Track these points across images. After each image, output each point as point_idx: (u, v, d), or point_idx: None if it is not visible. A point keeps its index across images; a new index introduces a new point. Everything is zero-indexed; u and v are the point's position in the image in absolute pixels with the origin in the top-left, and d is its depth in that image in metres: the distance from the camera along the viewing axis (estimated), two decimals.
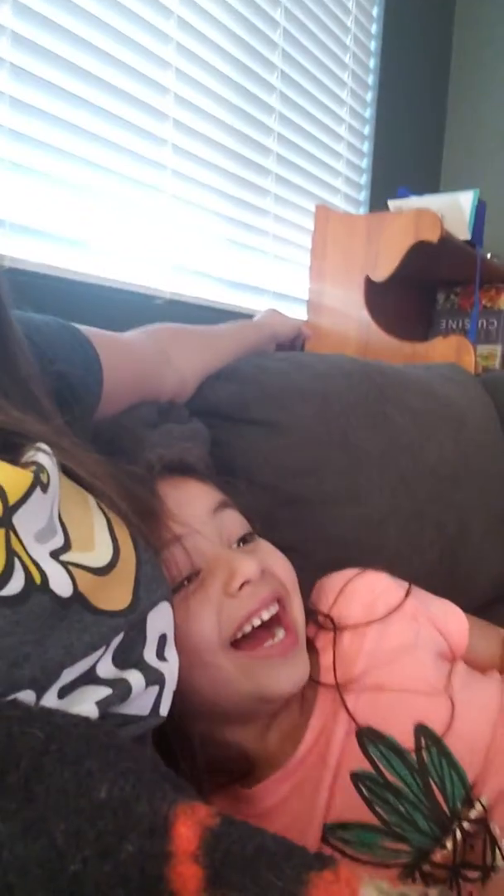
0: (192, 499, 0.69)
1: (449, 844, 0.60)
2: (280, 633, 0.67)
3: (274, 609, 0.67)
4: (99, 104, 1.28)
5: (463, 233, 1.86)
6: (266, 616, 0.66)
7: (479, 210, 1.90)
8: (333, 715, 0.68)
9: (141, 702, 0.51)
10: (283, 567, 0.71)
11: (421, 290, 2.29)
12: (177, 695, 0.55)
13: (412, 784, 0.63)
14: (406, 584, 0.80)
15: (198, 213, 1.56)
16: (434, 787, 0.63)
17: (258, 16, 1.70)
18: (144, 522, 0.59)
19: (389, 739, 0.65)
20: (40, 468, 0.47)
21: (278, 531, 0.78)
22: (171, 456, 0.72)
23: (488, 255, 2.02)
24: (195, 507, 0.68)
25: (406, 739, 0.65)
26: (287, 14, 1.81)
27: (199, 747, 0.65)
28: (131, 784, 0.33)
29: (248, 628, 0.65)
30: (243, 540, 0.71)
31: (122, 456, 0.67)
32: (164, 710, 0.54)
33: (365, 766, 0.65)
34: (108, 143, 1.30)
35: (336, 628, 0.74)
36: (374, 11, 2.24)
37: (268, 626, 0.66)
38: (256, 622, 0.65)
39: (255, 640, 0.66)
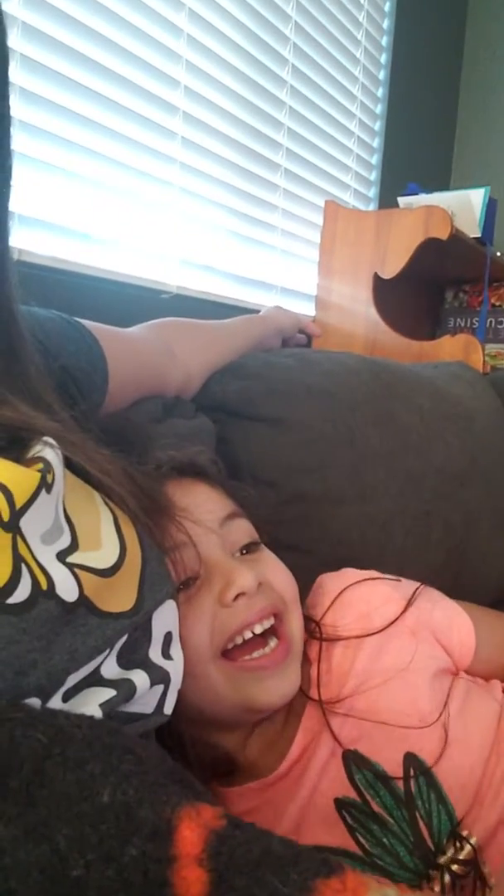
0: (199, 503, 0.68)
1: (437, 888, 0.58)
2: (272, 643, 0.66)
3: (268, 623, 0.66)
4: (108, 96, 1.27)
5: (473, 230, 1.84)
6: (259, 630, 0.65)
7: (490, 207, 1.89)
8: (319, 733, 0.66)
9: (145, 700, 0.51)
10: (283, 580, 0.70)
11: (429, 288, 2.28)
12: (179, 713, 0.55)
13: (397, 816, 0.62)
14: (411, 589, 0.78)
15: (206, 207, 1.56)
16: (420, 820, 0.61)
17: (270, 10, 1.69)
18: (153, 520, 0.59)
19: (376, 766, 0.64)
20: (47, 467, 0.46)
21: (283, 529, 0.77)
22: (182, 458, 0.72)
23: (498, 253, 2.01)
24: (202, 513, 0.67)
25: (394, 768, 0.63)
26: (299, 8, 1.80)
27: (189, 744, 0.64)
28: (134, 787, 0.33)
29: (239, 640, 0.64)
30: (247, 548, 0.69)
31: (131, 452, 0.66)
32: (168, 708, 0.54)
33: (350, 792, 0.63)
34: (116, 135, 1.30)
35: (323, 639, 0.72)
36: (386, 7, 2.22)
37: (262, 636, 0.65)
38: (248, 635, 0.64)
39: (246, 648, 0.65)
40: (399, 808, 0.62)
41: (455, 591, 0.97)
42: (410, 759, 0.63)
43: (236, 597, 0.63)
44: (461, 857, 0.59)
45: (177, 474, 0.70)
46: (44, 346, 0.67)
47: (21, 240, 1.14)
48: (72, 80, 1.20)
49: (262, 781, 0.66)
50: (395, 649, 0.70)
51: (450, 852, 0.60)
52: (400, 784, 0.63)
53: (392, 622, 0.73)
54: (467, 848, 0.59)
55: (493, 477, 1.29)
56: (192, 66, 1.46)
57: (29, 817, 0.30)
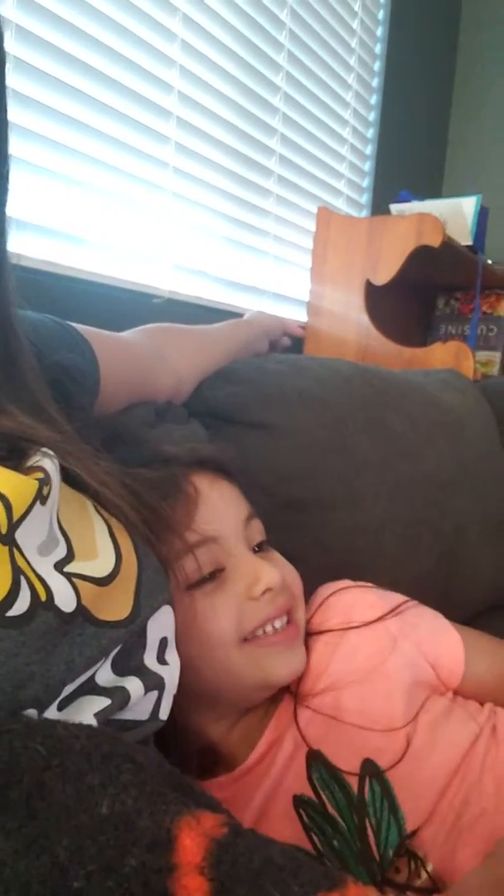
0: (228, 501, 0.71)
1: None
2: (284, 620, 0.69)
3: (285, 619, 0.69)
4: (102, 100, 1.27)
5: (465, 238, 1.85)
6: (279, 625, 0.68)
7: (482, 216, 1.90)
8: (287, 728, 0.68)
9: (140, 707, 0.51)
10: (294, 577, 0.74)
11: (421, 295, 2.29)
12: (182, 667, 0.56)
13: (349, 820, 0.62)
14: (397, 601, 0.78)
15: (199, 212, 1.56)
16: (369, 828, 0.61)
17: (264, 16, 1.69)
18: (153, 531, 0.59)
19: (334, 768, 0.65)
20: (46, 478, 0.46)
21: (274, 535, 0.77)
22: (205, 451, 0.74)
23: (489, 262, 2.01)
24: (230, 509, 0.70)
25: (352, 771, 0.64)
26: (293, 15, 1.80)
27: (179, 735, 0.66)
28: (133, 798, 0.33)
29: (259, 632, 0.67)
30: (259, 546, 0.72)
31: (129, 457, 0.67)
32: (163, 714, 0.54)
33: (307, 790, 0.64)
34: (109, 139, 1.30)
35: (309, 635, 0.74)
36: (380, 15, 2.23)
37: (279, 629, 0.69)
38: (269, 629, 0.67)
39: (266, 636, 0.68)
40: (351, 813, 0.62)
41: (445, 597, 0.98)
42: (368, 765, 0.64)
43: (264, 591, 0.66)
44: (417, 884, 0.59)
45: (199, 466, 0.72)
46: (36, 348, 0.67)
47: (14, 244, 1.14)
48: (65, 83, 1.20)
49: (230, 775, 0.67)
50: (370, 651, 0.72)
51: (404, 872, 0.59)
52: (355, 786, 0.63)
53: (371, 622, 0.74)
54: (423, 875, 0.59)
55: (484, 484, 1.30)
56: (185, 72, 1.46)
57: (29, 829, 0.30)
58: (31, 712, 0.40)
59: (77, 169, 1.24)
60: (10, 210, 1.11)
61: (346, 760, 0.65)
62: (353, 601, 0.77)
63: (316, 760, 0.65)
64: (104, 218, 1.31)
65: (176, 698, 0.60)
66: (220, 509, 0.69)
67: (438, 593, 1.12)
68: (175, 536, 0.64)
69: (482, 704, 0.74)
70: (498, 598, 1.34)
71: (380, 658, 0.71)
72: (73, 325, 0.78)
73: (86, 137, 1.25)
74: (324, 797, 0.63)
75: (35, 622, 0.42)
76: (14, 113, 1.11)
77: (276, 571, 0.67)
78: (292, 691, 0.70)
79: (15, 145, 1.12)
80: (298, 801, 0.64)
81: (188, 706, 0.65)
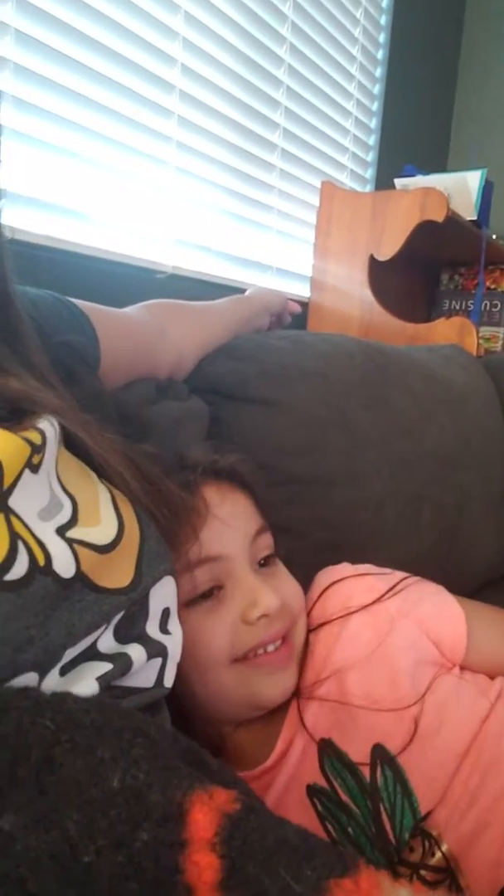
0: (237, 513, 0.69)
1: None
2: (278, 642, 0.67)
3: (279, 642, 0.68)
4: (104, 73, 1.26)
5: (469, 213, 1.84)
6: (272, 648, 0.67)
7: (486, 190, 1.88)
8: (299, 723, 0.68)
9: (144, 674, 0.51)
10: (295, 593, 0.72)
11: (425, 270, 2.28)
12: (176, 679, 0.56)
13: (362, 806, 0.62)
14: (396, 580, 0.77)
15: (202, 186, 1.55)
16: (384, 812, 0.62)
17: None
18: (154, 502, 0.59)
19: (345, 756, 0.64)
20: (38, 447, 0.47)
21: (275, 511, 0.77)
22: (224, 463, 0.72)
23: (494, 237, 2.00)
24: (241, 526, 0.68)
25: (362, 758, 0.64)
26: None
27: (199, 727, 0.67)
28: (144, 772, 0.33)
29: (251, 654, 0.66)
30: (265, 560, 0.71)
31: (131, 434, 0.66)
32: (168, 681, 0.54)
33: (321, 780, 0.65)
34: (112, 113, 1.29)
35: (308, 630, 0.73)
36: None
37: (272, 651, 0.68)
38: (261, 652, 0.66)
39: (257, 657, 0.67)
40: (364, 799, 0.62)
41: (446, 572, 0.98)
42: (378, 750, 0.64)
43: (259, 617, 0.65)
44: (431, 862, 0.59)
45: (215, 478, 0.70)
46: (35, 324, 0.67)
47: (15, 218, 1.13)
48: (67, 56, 1.18)
49: (249, 774, 0.67)
50: (370, 635, 0.71)
51: (418, 851, 0.60)
52: (367, 774, 0.63)
53: (369, 604, 0.73)
54: (438, 854, 0.59)
55: (485, 460, 1.30)
56: (189, 44, 1.44)
57: (39, 804, 0.30)
58: (32, 676, 0.40)
59: (79, 143, 1.23)
60: (11, 184, 1.11)
61: (357, 746, 0.65)
62: (350, 591, 0.76)
63: (327, 749, 0.65)
64: (106, 193, 1.31)
65: (178, 698, 0.61)
66: (227, 526, 0.67)
67: (440, 568, 1.13)
68: (178, 552, 0.63)
69: (492, 678, 0.74)
70: (497, 572, 1.35)
71: (379, 640, 0.70)
72: (74, 300, 0.78)
73: (88, 111, 1.24)
74: (336, 785, 0.64)
75: (33, 586, 0.42)
76: (15, 86, 1.10)
77: (274, 596, 0.66)
78: (297, 690, 0.69)
79: (16, 119, 1.12)
80: (312, 791, 0.65)
81: (189, 711, 0.66)
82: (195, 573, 0.64)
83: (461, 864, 0.59)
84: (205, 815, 0.32)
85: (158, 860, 0.30)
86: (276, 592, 0.66)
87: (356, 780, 0.63)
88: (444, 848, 0.60)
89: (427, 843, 0.60)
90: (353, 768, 0.64)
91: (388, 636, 0.71)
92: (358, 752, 0.64)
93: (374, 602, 0.74)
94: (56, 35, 1.17)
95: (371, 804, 0.62)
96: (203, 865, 0.30)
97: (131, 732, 0.35)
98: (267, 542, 0.71)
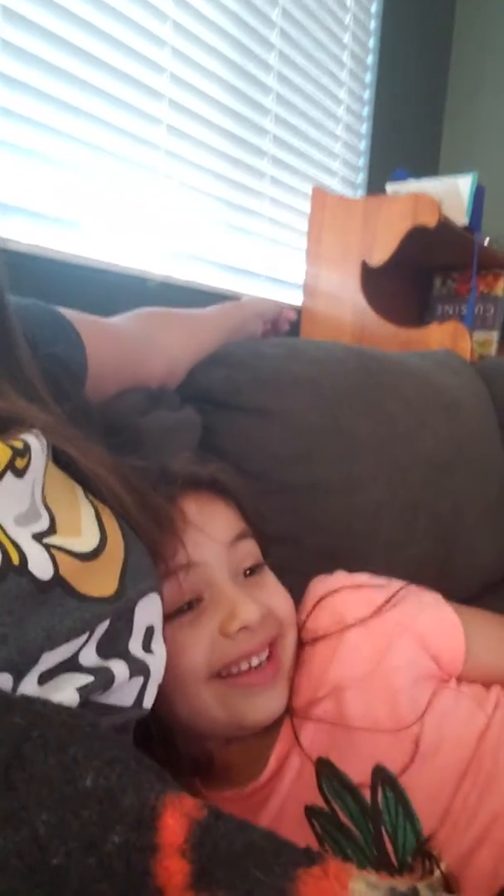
0: (215, 523, 0.67)
1: None
2: (263, 658, 0.65)
3: (264, 655, 0.65)
4: (93, 82, 1.26)
5: (461, 217, 1.84)
6: (256, 662, 0.64)
7: (478, 194, 1.88)
8: (293, 741, 0.66)
9: (123, 693, 0.51)
10: (283, 604, 0.69)
11: (417, 275, 2.28)
12: (158, 697, 0.55)
13: (363, 828, 0.61)
14: (392, 591, 0.75)
15: (192, 194, 1.55)
16: (385, 835, 0.60)
17: None
18: (143, 515, 0.58)
19: (344, 777, 0.63)
20: (22, 451, 0.46)
21: (270, 519, 0.77)
22: (203, 474, 0.70)
23: (486, 241, 2.00)
24: (216, 534, 0.66)
25: (362, 779, 0.62)
26: None
27: (159, 737, 0.64)
28: (117, 773, 0.32)
29: (234, 669, 0.63)
30: (251, 570, 0.69)
31: (123, 445, 0.66)
32: (147, 702, 0.53)
33: (319, 801, 0.63)
34: (101, 121, 1.29)
35: (302, 643, 0.71)
36: None
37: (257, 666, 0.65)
38: (245, 666, 0.64)
39: (241, 675, 0.64)
40: (365, 821, 0.61)
41: (443, 578, 0.98)
42: (379, 772, 0.62)
43: (239, 629, 0.62)
44: (430, 881, 0.58)
45: (194, 488, 0.69)
46: (23, 334, 0.66)
47: (2, 227, 1.13)
48: (56, 66, 1.18)
49: (240, 791, 0.65)
50: (368, 652, 0.69)
51: (417, 871, 0.59)
52: (367, 795, 0.62)
53: (365, 618, 0.71)
54: (436, 873, 0.58)
55: (480, 466, 1.29)
56: (177, 52, 1.44)
57: (7, 802, 0.30)
58: (6, 677, 0.39)
59: (67, 152, 1.23)
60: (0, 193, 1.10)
61: (356, 767, 0.63)
62: (345, 604, 0.73)
63: (326, 770, 0.63)
64: (96, 201, 1.30)
65: (159, 718, 0.60)
66: (201, 534, 0.64)
67: (436, 575, 1.12)
68: (178, 542, 0.62)
69: (488, 688, 0.72)
70: (494, 578, 1.34)
71: (377, 658, 0.68)
72: (60, 309, 0.77)
73: (77, 120, 1.24)
74: (336, 807, 0.62)
75: (6, 584, 0.41)
76: (3, 95, 1.10)
77: (254, 607, 0.63)
78: (290, 707, 0.67)
79: (4, 127, 1.11)
80: (310, 812, 0.63)
81: (171, 729, 0.64)
82: (171, 583, 0.61)
83: (459, 878, 0.58)
84: (176, 820, 0.31)
85: (130, 864, 0.30)
86: (256, 603, 0.64)
87: (357, 803, 0.62)
88: (442, 866, 0.59)
89: (427, 863, 0.59)
90: (354, 790, 0.62)
91: (386, 654, 0.68)
92: (357, 773, 0.63)
93: (371, 616, 0.71)
94: (44, 44, 1.17)
95: (373, 827, 0.61)
96: (173, 871, 0.30)
97: (102, 737, 0.34)
98: (249, 550, 0.69)
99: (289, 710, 0.67)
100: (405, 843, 0.60)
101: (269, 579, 0.70)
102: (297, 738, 0.65)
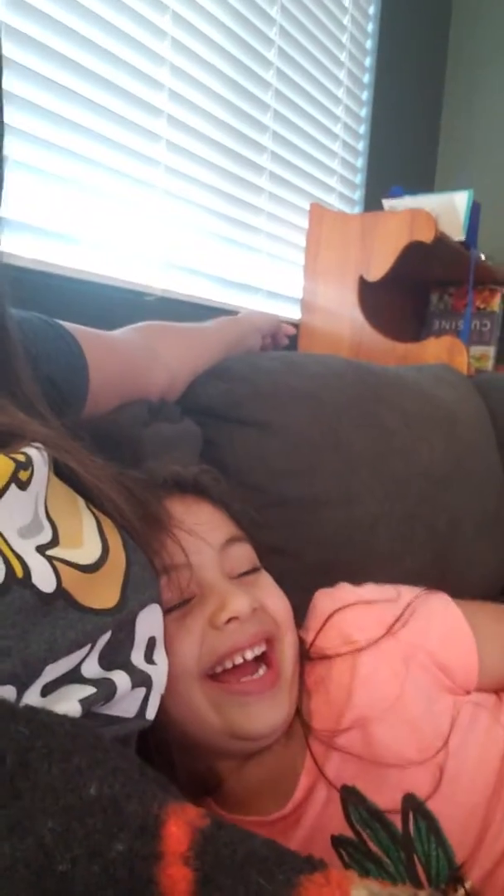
0: (202, 523, 0.66)
1: None
2: (262, 671, 0.63)
3: (260, 649, 0.63)
4: (92, 98, 1.27)
5: (457, 233, 1.85)
6: (250, 655, 0.62)
7: (474, 210, 1.90)
8: (318, 771, 0.64)
9: (126, 704, 0.51)
10: (279, 605, 0.68)
11: (414, 291, 2.29)
12: (157, 711, 0.54)
13: (394, 857, 0.60)
14: (402, 605, 0.74)
15: (191, 209, 1.55)
16: (418, 863, 0.59)
17: (254, 13, 1.69)
18: (145, 527, 0.58)
19: (372, 805, 0.61)
20: (26, 462, 0.46)
21: (268, 532, 0.77)
22: (186, 475, 0.70)
23: (482, 257, 2.01)
24: (203, 533, 0.65)
25: (392, 807, 0.61)
26: (283, 11, 1.80)
27: (177, 754, 0.62)
28: (121, 782, 0.32)
29: (229, 664, 0.62)
30: (246, 573, 0.68)
31: (122, 458, 0.65)
32: (150, 713, 0.53)
33: (346, 830, 0.61)
34: (100, 137, 1.29)
35: (310, 658, 0.69)
36: (371, 10, 2.23)
37: (253, 661, 0.63)
38: (238, 660, 0.62)
39: (235, 672, 0.62)
40: (396, 849, 0.60)
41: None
42: (410, 800, 0.61)
43: (228, 620, 0.61)
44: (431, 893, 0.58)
45: (179, 490, 0.69)
46: (24, 347, 0.67)
47: (3, 242, 1.13)
48: (53, 81, 1.19)
49: (261, 819, 0.64)
50: (387, 678, 0.67)
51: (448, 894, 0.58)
52: (398, 823, 0.60)
53: (377, 639, 0.70)
54: (461, 891, 0.58)
55: (477, 479, 1.30)
56: (175, 69, 1.46)
57: (13, 810, 0.30)
58: (9, 689, 0.39)
59: (67, 167, 1.24)
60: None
61: (383, 795, 0.61)
62: (355, 622, 0.72)
63: (352, 798, 0.62)
64: (95, 216, 1.31)
65: (166, 728, 0.59)
66: (191, 536, 0.63)
67: (433, 588, 1.12)
68: (170, 541, 0.61)
69: (499, 695, 0.72)
70: (492, 591, 1.34)
71: (398, 683, 0.67)
72: (61, 322, 0.78)
73: (75, 135, 1.25)
74: (365, 836, 0.61)
75: (10, 597, 0.41)
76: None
77: (244, 598, 0.62)
78: (308, 725, 0.65)
79: (4, 143, 1.12)
80: (337, 842, 0.61)
81: (179, 741, 0.62)
82: (161, 585, 0.60)
83: (482, 894, 0.58)
84: (179, 828, 0.32)
85: (133, 872, 0.30)
86: (247, 595, 0.63)
87: (386, 831, 0.60)
88: (467, 885, 0.58)
89: (456, 886, 0.58)
90: (383, 818, 0.61)
91: (404, 678, 0.67)
92: (385, 801, 0.61)
93: (383, 636, 0.70)
94: (43, 60, 1.17)
95: (405, 855, 0.59)
96: (177, 878, 0.30)
97: (105, 747, 0.35)
98: (244, 555, 0.68)
99: (308, 734, 0.65)
100: (438, 871, 0.59)
101: (266, 580, 0.69)
102: (321, 769, 0.63)
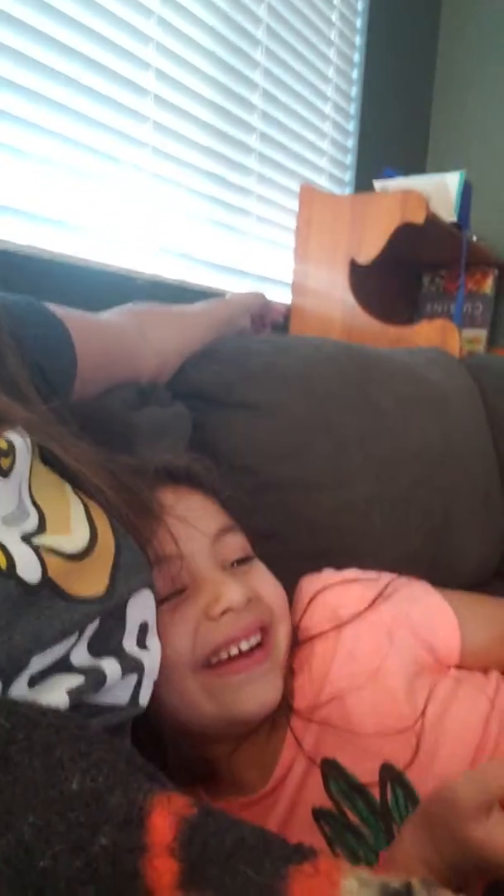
0: (195, 514, 0.66)
1: None
2: (253, 642, 0.64)
3: (255, 640, 0.64)
4: (78, 79, 1.25)
5: (449, 215, 1.84)
6: (245, 647, 0.63)
7: (465, 192, 1.88)
8: (297, 746, 0.65)
9: (118, 691, 0.50)
10: (273, 593, 0.68)
11: (406, 273, 2.28)
12: (150, 700, 0.54)
13: (374, 827, 0.60)
14: (383, 584, 0.75)
15: (179, 192, 1.54)
16: (397, 833, 0.59)
17: None
18: (133, 513, 0.58)
19: (351, 777, 0.62)
20: (6, 451, 0.46)
21: (259, 516, 0.77)
22: (178, 464, 0.70)
23: (474, 238, 2.00)
24: (196, 522, 0.65)
25: (369, 778, 0.61)
26: None
27: (169, 742, 0.62)
28: (104, 774, 0.32)
29: (224, 654, 0.62)
30: (239, 561, 0.68)
31: (112, 443, 0.65)
32: (143, 699, 0.53)
33: (326, 802, 0.62)
34: (87, 119, 1.28)
35: (298, 642, 0.70)
36: None
37: (247, 653, 0.64)
38: (234, 651, 0.62)
39: (230, 663, 0.63)
40: (375, 820, 0.60)
41: (432, 575, 0.97)
42: (387, 770, 0.62)
43: (223, 612, 0.62)
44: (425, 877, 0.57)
45: (171, 480, 0.68)
46: (10, 330, 0.66)
47: None
48: (40, 62, 1.17)
49: (249, 798, 0.64)
50: (368, 650, 0.68)
51: None
52: (376, 794, 0.61)
53: (359, 613, 0.71)
54: None
55: (470, 462, 1.29)
56: (162, 48, 1.44)
57: None
58: None
59: (53, 149, 1.22)
60: None
61: (362, 767, 0.62)
62: (338, 600, 0.73)
63: (332, 771, 0.63)
64: (82, 199, 1.29)
65: (159, 716, 0.59)
66: (183, 525, 0.64)
67: (426, 571, 1.12)
68: (162, 531, 0.61)
69: (486, 672, 0.72)
70: (484, 575, 1.34)
71: (379, 657, 0.67)
72: (49, 305, 0.76)
73: (62, 117, 1.23)
74: (344, 807, 0.61)
75: None
76: None
77: (238, 589, 0.62)
78: (290, 704, 0.66)
79: None
80: (318, 814, 0.62)
81: (172, 729, 0.62)
82: (156, 573, 0.60)
83: None
84: (164, 818, 0.31)
85: (117, 865, 0.29)
86: (242, 586, 0.63)
87: (365, 802, 0.61)
88: None
89: None
90: (362, 789, 0.61)
91: (386, 652, 0.68)
92: (364, 773, 0.62)
93: (365, 610, 0.71)
94: (30, 41, 1.16)
95: (384, 825, 0.60)
96: (162, 870, 0.30)
97: (89, 738, 0.34)
98: (237, 544, 0.68)
99: (290, 713, 0.66)
100: None
101: (259, 569, 0.70)
102: (299, 742, 0.64)
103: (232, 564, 0.67)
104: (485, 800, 0.48)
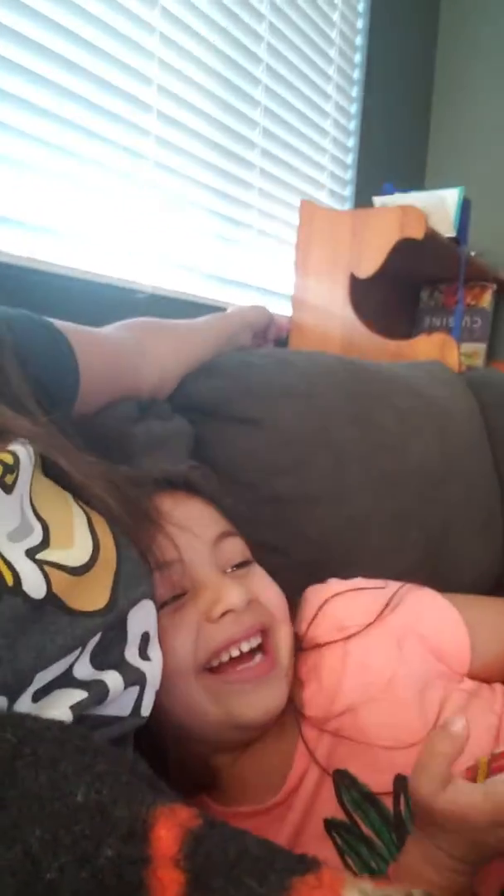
0: (193, 518, 0.67)
1: None
2: (258, 658, 0.64)
3: (256, 641, 0.64)
4: (80, 92, 1.26)
5: (448, 230, 1.85)
6: (246, 648, 0.63)
7: (464, 208, 1.90)
8: (310, 756, 0.65)
9: (120, 702, 0.50)
10: (273, 596, 0.69)
11: (405, 288, 2.29)
12: (153, 709, 0.54)
13: (387, 839, 0.60)
14: (391, 593, 0.75)
15: (181, 205, 1.55)
16: None
17: (243, 8, 1.68)
18: (136, 523, 0.58)
19: (364, 787, 0.62)
20: (10, 467, 0.46)
21: (259, 530, 0.77)
22: (176, 472, 0.71)
23: (472, 253, 2.01)
24: (195, 528, 0.66)
25: (382, 789, 0.61)
26: (272, 7, 1.79)
27: (171, 750, 0.62)
28: (109, 786, 0.32)
29: (225, 657, 0.62)
30: (238, 565, 0.68)
31: (113, 456, 0.65)
32: (145, 710, 0.53)
33: (339, 813, 0.62)
34: (88, 131, 1.29)
35: (303, 649, 0.70)
36: (360, 6, 2.22)
37: (249, 653, 0.64)
38: (235, 652, 0.63)
39: (232, 664, 0.63)
40: (388, 831, 0.60)
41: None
42: (401, 782, 0.61)
43: (224, 613, 0.62)
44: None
45: (170, 487, 0.69)
46: (13, 345, 0.66)
47: None
48: (38, 74, 1.18)
49: (257, 808, 0.64)
50: (380, 662, 0.68)
51: None
52: (389, 805, 0.61)
53: (368, 625, 0.71)
54: None
55: (469, 476, 1.30)
56: (165, 64, 1.45)
57: (0, 819, 0.30)
58: (1, 700, 0.39)
59: (55, 162, 1.23)
60: None
61: (375, 778, 0.62)
62: (346, 609, 0.74)
63: (344, 781, 0.63)
64: (84, 211, 1.30)
65: (162, 725, 0.59)
66: (182, 531, 0.64)
67: (427, 586, 1.12)
68: (162, 537, 0.62)
69: (491, 685, 0.72)
70: (483, 590, 1.34)
71: (391, 667, 0.68)
72: (50, 320, 0.77)
73: (63, 128, 1.24)
74: (357, 818, 0.61)
75: (2, 606, 0.41)
76: None
77: (239, 591, 0.63)
78: (301, 713, 0.66)
79: None
80: (330, 825, 0.62)
81: (175, 736, 0.62)
82: (157, 579, 0.60)
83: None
84: (168, 830, 0.31)
85: (122, 877, 0.30)
86: (241, 588, 0.63)
87: (378, 813, 0.61)
88: None
89: None
90: (375, 800, 0.61)
91: (397, 663, 0.68)
92: (377, 784, 0.62)
93: (374, 622, 0.71)
94: (33, 55, 1.17)
95: (397, 836, 0.60)
96: (167, 882, 0.30)
97: (93, 752, 0.34)
98: (236, 548, 0.69)
99: (301, 722, 0.66)
100: None
101: (258, 573, 0.70)
102: (312, 754, 0.64)
103: (231, 568, 0.68)
104: (436, 774, 0.50)
